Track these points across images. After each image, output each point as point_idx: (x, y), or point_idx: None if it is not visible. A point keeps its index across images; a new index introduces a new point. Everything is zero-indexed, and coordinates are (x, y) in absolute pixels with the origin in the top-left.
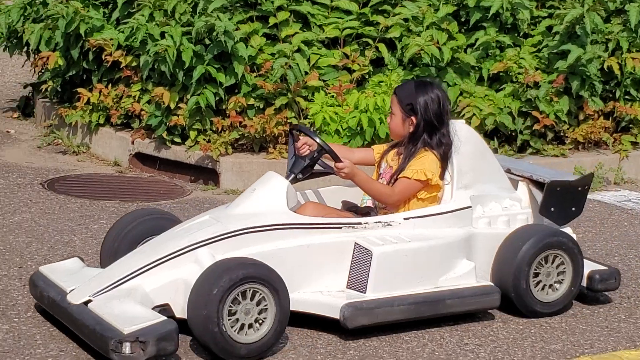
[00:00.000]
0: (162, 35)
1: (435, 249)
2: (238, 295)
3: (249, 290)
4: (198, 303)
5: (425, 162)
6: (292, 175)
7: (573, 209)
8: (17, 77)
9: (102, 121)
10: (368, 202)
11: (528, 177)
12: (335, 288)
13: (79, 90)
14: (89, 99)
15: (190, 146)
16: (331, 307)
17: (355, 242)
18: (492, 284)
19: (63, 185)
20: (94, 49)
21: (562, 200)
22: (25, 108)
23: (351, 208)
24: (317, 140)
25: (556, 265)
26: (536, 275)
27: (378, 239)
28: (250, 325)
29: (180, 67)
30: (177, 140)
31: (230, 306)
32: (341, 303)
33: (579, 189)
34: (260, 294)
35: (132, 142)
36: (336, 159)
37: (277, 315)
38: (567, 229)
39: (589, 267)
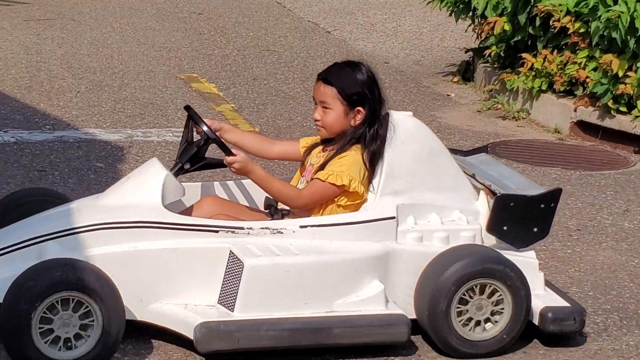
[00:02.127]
0: (615, 1)
1: (332, 266)
2: (57, 302)
3: (72, 299)
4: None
5: (345, 164)
6: (178, 165)
7: (535, 229)
8: (456, 42)
9: (544, 87)
10: None
11: (487, 186)
12: (206, 302)
13: (524, 55)
14: (532, 64)
15: (637, 116)
16: (186, 324)
17: (230, 250)
18: (402, 312)
19: (504, 149)
20: (542, 14)
21: (518, 218)
22: (465, 72)
23: (269, 207)
24: (204, 127)
25: (489, 297)
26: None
27: (258, 249)
28: (79, 337)
29: (633, 34)
30: (623, 109)
31: (46, 313)
32: (197, 321)
33: (542, 206)
34: (85, 304)
35: (575, 110)
36: (226, 151)
37: (103, 329)
38: (529, 253)
39: (548, 301)
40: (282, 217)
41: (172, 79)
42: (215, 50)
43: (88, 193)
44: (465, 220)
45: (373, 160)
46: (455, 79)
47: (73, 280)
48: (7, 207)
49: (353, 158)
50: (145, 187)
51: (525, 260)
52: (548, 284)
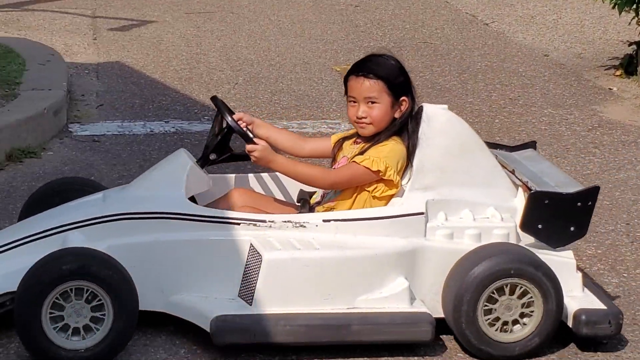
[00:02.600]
0: None
1: (354, 262)
2: (71, 290)
3: (85, 289)
4: (22, 299)
5: (384, 150)
6: (204, 156)
7: (572, 228)
8: (619, 35)
9: None
10: (320, 195)
11: (524, 182)
12: (227, 295)
13: None
14: None
15: None
16: (203, 316)
17: (251, 243)
18: (426, 311)
19: None
20: None
21: (553, 216)
22: (628, 66)
23: (301, 201)
24: (227, 118)
25: (519, 297)
26: (489, 310)
27: (278, 242)
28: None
29: None
30: None
31: (58, 300)
32: (214, 314)
33: (579, 204)
34: (98, 296)
35: None
36: (247, 139)
37: (113, 323)
38: (566, 252)
39: (582, 302)
40: (311, 211)
41: (327, 71)
42: (371, 43)
43: None
44: (499, 217)
45: (414, 151)
46: (618, 73)
47: (82, 270)
48: (45, 195)
49: (393, 147)
50: (169, 178)
51: (562, 260)
52: (592, 285)
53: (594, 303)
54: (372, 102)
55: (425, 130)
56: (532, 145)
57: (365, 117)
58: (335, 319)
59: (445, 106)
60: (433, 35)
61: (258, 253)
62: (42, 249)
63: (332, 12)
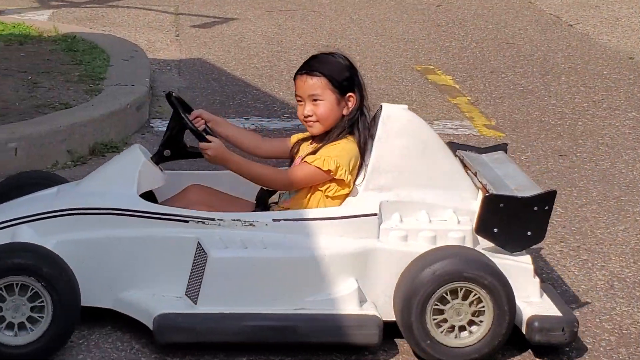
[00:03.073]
0: None
1: (302, 262)
2: (16, 285)
3: (17, 284)
4: None
5: (335, 149)
6: (159, 153)
7: (529, 233)
8: None
9: None
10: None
11: (484, 185)
12: (174, 293)
13: None
14: None
15: None
16: (147, 314)
17: (198, 241)
18: (374, 314)
19: None
20: None
21: (509, 220)
22: None
23: (260, 199)
24: (180, 114)
25: (470, 302)
26: (440, 311)
27: (224, 241)
28: (22, 326)
29: None
30: None
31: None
32: (157, 312)
33: (535, 208)
34: (32, 289)
35: None
36: (199, 137)
37: (53, 317)
38: (524, 257)
39: (537, 309)
40: (267, 210)
41: (408, 70)
42: (452, 42)
43: None
44: (456, 220)
45: (366, 149)
46: None
47: (16, 265)
48: (5, 189)
49: (344, 146)
50: (121, 173)
51: (519, 265)
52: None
53: (550, 310)
54: (316, 100)
55: (383, 130)
56: (502, 147)
57: (311, 115)
58: (281, 319)
59: (405, 106)
60: (516, 35)
61: (204, 252)
62: None
63: (414, 11)
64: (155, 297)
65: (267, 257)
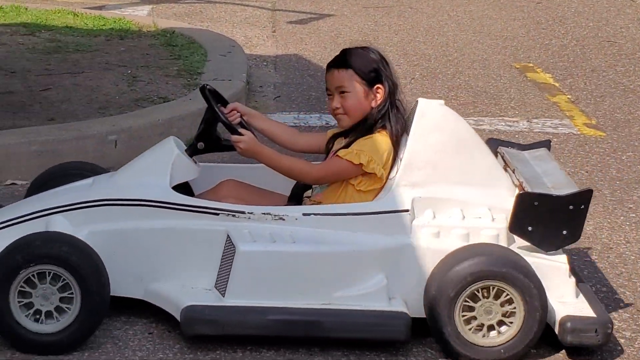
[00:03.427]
0: None
1: (330, 257)
2: (34, 276)
3: (48, 272)
4: None
5: (367, 143)
6: (193, 145)
7: (564, 232)
8: None
9: None
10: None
11: (520, 182)
12: (204, 285)
13: None
14: None
15: None
16: (175, 306)
17: (228, 234)
18: (403, 310)
19: None
20: None
21: (544, 218)
22: None
23: (294, 193)
24: (216, 107)
25: (501, 302)
26: (470, 309)
27: (254, 235)
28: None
29: None
30: None
31: (23, 287)
32: (185, 304)
33: (571, 207)
34: (63, 278)
35: None
36: (232, 130)
37: (82, 307)
38: (559, 257)
39: (571, 309)
40: (300, 204)
41: (506, 67)
42: (552, 40)
43: None
44: (490, 218)
45: (398, 144)
46: None
47: (46, 254)
48: (48, 178)
49: (377, 139)
50: (154, 165)
51: (553, 265)
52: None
53: (584, 310)
54: (344, 92)
55: (418, 125)
56: (546, 144)
57: (339, 108)
58: (306, 314)
59: (442, 101)
60: (617, 34)
61: (233, 245)
62: (25, 232)
63: (513, 8)
64: (185, 289)
65: (295, 252)
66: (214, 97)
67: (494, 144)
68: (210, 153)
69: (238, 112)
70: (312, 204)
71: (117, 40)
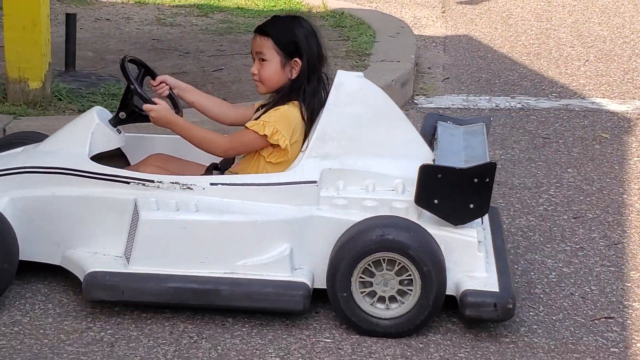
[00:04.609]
0: None
1: (232, 227)
2: None
3: None
4: None
5: (275, 115)
6: (116, 115)
7: (471, 205)
8: None
9: None
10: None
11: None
12: (115, 252)
13: None
14: None
15: None
16: (82, 272)
17: (135, 202)
18: (303, 280)
19: None
20: None
21: (449, 191)
22: None
23: (214, 165)
24: (130, 77)
25: (396, 272)
26: (368, 283)
27: (160, 203)
28: None
29: None
30: None
31: None
32: (89, 269)
33: (475, 180)
34: None
35: None
36: (144, 99)
37: None
38: (469, 231)
39: (477, 284)
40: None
41: None
42: None
43: (592, 164)
44: (402, 190)
45: (311, 117)
46: None
47: None
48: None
49: (284, 111)
50: (74, 135)
51: (462, 239)
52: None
53: (489, 285)
54: (262, 60)
55: (334, 96)
56: (485, 119)
57: (256, 74)
58: (204, 282)
59: (361, 74)
60: None
61: (137, 213)
62: None
63: None
64: (96, 256)
65: (197, 220)
66: (141, 68)
67: (432, 118)
68: (134, 123)
69: (167, 84)
70: (229, 175)
71: None
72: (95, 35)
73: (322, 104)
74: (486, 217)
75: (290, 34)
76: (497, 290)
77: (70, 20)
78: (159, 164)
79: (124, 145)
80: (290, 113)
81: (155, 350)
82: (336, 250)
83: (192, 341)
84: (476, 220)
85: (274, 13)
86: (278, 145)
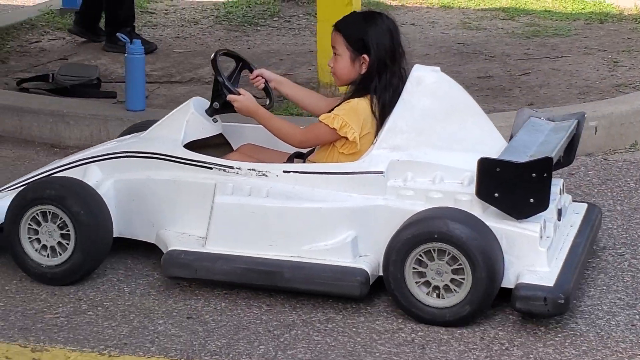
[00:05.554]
0: None
1: (301, 213)
2: (37, 214)
3: (40, 212)
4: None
5: (345, 108)
6: (210, 105)
7: (531, 200)
8: None
9: None
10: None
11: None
12: (198, 233)
13: None
14: None
15: None
16: (166, 249)
17: (215, 186)
18: (362, 267)
19: None
20: None
21: (509, 185)
22: None
23: (297, 154)
24: (218, 70)
25: (449, 263)
26: (421, 273)
27: (235, 188)
28: (57, 247)
29: None
30: None
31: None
32: (169, 248)
33: (533, 175)
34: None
35: None
36: (228, 90)
37: (79, 242)
38: (531, 225)
39: (535, 278)
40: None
41: None
42: None
43: None
44: (468, 183)
45: (383, 111)
46: None
47: (49, 196)
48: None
49: (355, 104)
50: (171, 124)
51: (523, 233)
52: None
53: (547, 280)
54: (336, 54)
55: (408, 90)
56: (579, 115)
57: (332, 67)
58: (268, 265)
59: (437, 68)
60: None
61: (214, 196)
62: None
63: None
64: (181, 236)
65: (265, 205)
66: (239, 61)
67: (525, 113)
68: (228, 113)
69: (263, 77)
70: (303, 163)
71: (596, 24)
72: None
73: (397, 97)
74: (581, 213)
75: (359, 31)
76: (551, 285)
77: None
78: (248, 152)
79: (230, 134)
80: (359, 106)
81: (466, 355)
82: (391, 240)
83: (504, 348)
84: (549, 215)
85: (583, 16)
86: (344, 137)
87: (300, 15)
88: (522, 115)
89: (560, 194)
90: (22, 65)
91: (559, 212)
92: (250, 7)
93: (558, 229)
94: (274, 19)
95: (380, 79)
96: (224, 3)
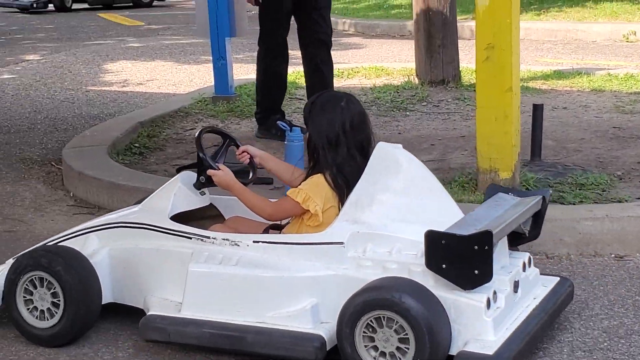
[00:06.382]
0: None
1: (265, 281)
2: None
3: (36, 278)
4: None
5: (309, 183)
6: (197, 179)
7: (476, 271)
8: None
9: None
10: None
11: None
12: (178, 299)
13: None
14: None
15: None
16: (144, 314)
17: (192, 255)
18: (319, 333)
19: None
20: None
21: (455, 257)
22: None
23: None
24: (200, 148)
25: (397, 331)
26: (371, 338)
27: (209, 257)
28: (48, 311)
29: None
30: None
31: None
32: (149, 312)
33: (475, 247)
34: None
35: None
36: (210, 166)
37: (67, 307)
38: (477, 295)
39: (478, 347)
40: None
41: None
42: None
43: None
44: (421, 254)
45: (338, 187)
46: None
47: (42, 264)
48: None
49: (316, 179)
50: (161, 196)
51: (469, 303)
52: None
53: (489, 349)
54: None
55: (370, 166)
56: (544, 192)
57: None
58: (233, 330)
59: (399, 145)
60: None
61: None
62: (71, 245)
63: None
64: (163, 302)
65: (233, 273)
66: (226, 138)
67: (494, 189)
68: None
69: (249, 153)
70: (271, 234)
71: None
72: (554, 123)
73: (360, 171)
74: (549, 286)
75: (309, 109)
76: (491, 353)
77: (538, 110)
78: (231, 224)
79: (223, 207)
80: (320, 181)
81: None
82: (342, 307)
83: None
84: (502, 287)
85: None
86: (308, 211)
87: (449, 100)
88: (490, 190)
89: (525, 267)
90: (179, 152)
91: (516, 284)
92: (398, 92)
93: (517, 301)
94: (423, 104)
95: (336, 156)
96: (371, 88)
